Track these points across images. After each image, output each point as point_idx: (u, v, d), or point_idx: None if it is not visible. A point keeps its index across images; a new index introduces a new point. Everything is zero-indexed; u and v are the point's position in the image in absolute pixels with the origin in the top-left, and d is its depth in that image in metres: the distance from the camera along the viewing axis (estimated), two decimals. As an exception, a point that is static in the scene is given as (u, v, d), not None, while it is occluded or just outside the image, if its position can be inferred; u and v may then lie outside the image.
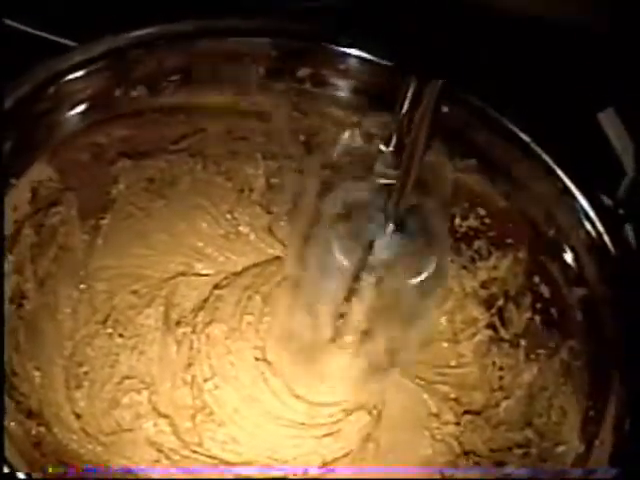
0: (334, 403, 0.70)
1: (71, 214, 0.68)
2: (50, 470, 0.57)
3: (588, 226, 0.64)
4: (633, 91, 0.75)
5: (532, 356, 0.68)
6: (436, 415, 0.70)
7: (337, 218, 0.63)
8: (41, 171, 0.65)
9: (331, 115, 0.73)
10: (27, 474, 0.50)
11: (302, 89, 0.73)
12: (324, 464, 0.66)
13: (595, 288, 0.63)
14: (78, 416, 0.65)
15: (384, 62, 0.71)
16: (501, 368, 0.70)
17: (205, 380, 0.69)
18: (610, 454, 0.56)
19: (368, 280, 0.62)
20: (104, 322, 0.70)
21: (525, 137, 0.68)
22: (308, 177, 0.75)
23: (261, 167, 0.77)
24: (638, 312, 0.60)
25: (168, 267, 0.75)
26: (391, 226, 0.60)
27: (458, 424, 0.69)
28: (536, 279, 0.68)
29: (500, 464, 0.65)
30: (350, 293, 0.63)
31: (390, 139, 0.63)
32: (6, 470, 0.50)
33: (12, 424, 0.56)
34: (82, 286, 0.71)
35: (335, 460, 0.67)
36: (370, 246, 0.60)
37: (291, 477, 0.65)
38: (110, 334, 0.70)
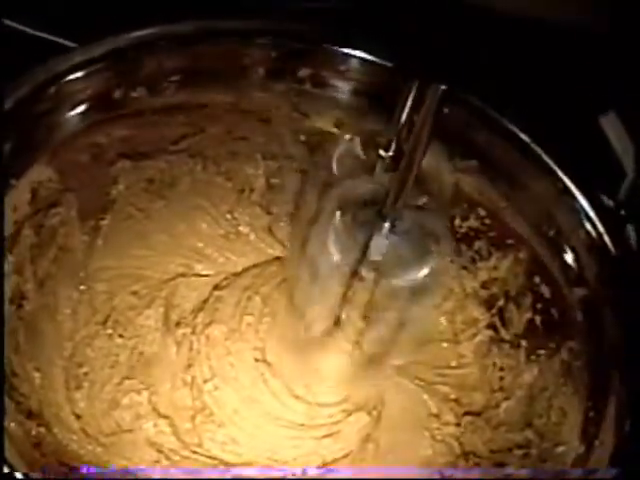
0: (334, 404, 0.70)
1: (71, 215, 0.68)
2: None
3: (588, 226, 0.64)
4: (633, 92, 0.75)
5: (532, 357, 0.67)
6: (436, 416, 0.70)
7: (336, 218, 0.63)
8: (41, 172, 0.65)
9: (331, 116, 0.74)
10: (25, 474, 0.50)
11: (302, 90, 0.73)
12: (324, 465, 0.66)
13: (595, 288, 0.63)
14: (78, 417, 0.65)
15: (384, 63, 0.71)
16: (501, 369, 0.70)
17: (205, 381, 0.69)
18: (610, 454, 0.56)
19: (367, 281, 0.62)
20: (104, 323, 0.70)
21: (525, 137, 0.68)
22: (308, 177, 0.75)
23: (261, 167, 0.77)
24: (638, 313, 0.60)
25: (168, 268, 0.75)
26: (390, 226, 0.60)
27: (458, 425, 0.69)
28: (536, 279, 0.68)
29: (500, 465, 0.65)
30: (349, 294, 0.63)
31: (390, 144, 0.63)
32: (6, 470, 0.50)
33: (12, 425, 0.56)
34: (82, 287, 0.71)
35: (335, 461, 0.67)
36: (369, 246, 0.60)
37: (290, 477, 0.65)
38: (110, 335, 0.70)
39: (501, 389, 0.69)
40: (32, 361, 0.64)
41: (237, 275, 0.76)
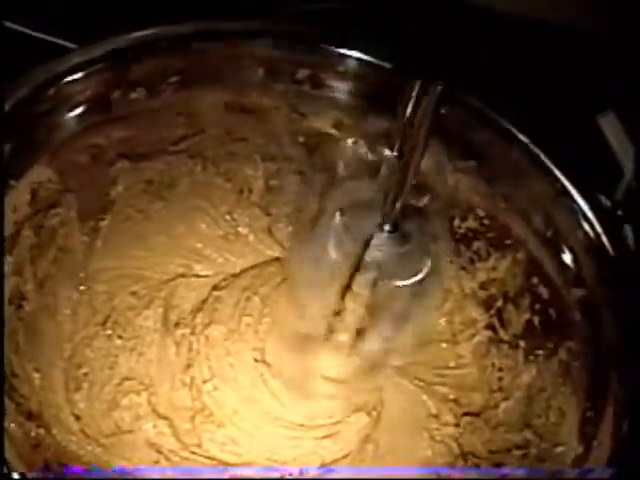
0: (333, 404, 0.69)
1: (70, 216, 0.69)
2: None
3: (587, 227, 0.64)
4: (633, 92, 0.75)
5: (531, 357, 0.67)
6: (435, 416, 0.70)
7: (335, 217, 0.63)
8: (41, 173, 0.65)
9: (330, 117, 0.74)
10: (21, 474, 0.50)
11: (301, 91, 0.73)
12: (323, 465, 0.66)
13: (594, 289, 0.63)
14: (78, 417, 0.65)
15: (383, 64, 0.71)
16: (500, 369, 0.70)
17: (204, 381, 0.69)
18: (608, 455, 0.56)
19: (367, 281, 0.62)
20: (103, 323, 0.71)
21: (524, 138, 0.68)
22: (306, 178, 0.75)
23: (260, 168, 0.77)
24: (637, 313, 0.60)
25: (167, 268, 0.75)
26: (389, 227, 0.60)
27: (457, 425, 0.69)
28: (535, 280, 0.68)
29: (499, 465, 0.65)
30: (349, 294, 0.64)
31: (394, 143, 0.63)
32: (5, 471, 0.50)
33: (12, 426, 0.56)
34: (81, 287, 0.71)
35: (334, 461, 0.67)
36: (368, 247, 0.60)
37: (287, 477, 0.65)
38: (109, 335, 0.70)
39: (500, 389, 0.69)
40: (32, 362, 0.64)
41: (236, 276, 0.76)
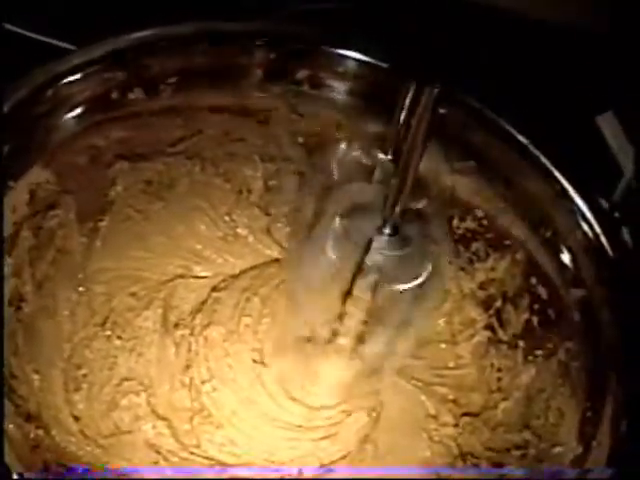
0: (332, 405, 0.69)
1: (69, 217, 0.69)
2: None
3: (585, 228, 0.64)
4: (632, 92, 0.75)
5: (530, 357, 0.67)
6: (434, 417, 0.70)
7: (335, 220, 0.63)
8: (39, 173, 0.65)
9: (329, 117, 0.74)
10: (20, 475, 0.50)
11: (300, 91, 0.73)
12: (322, 466, 0.66)
13: (592, 289, 0.63)
14: (77, 418, 0.65)
15: (382, 64, 0.71)
16: (499, 369, 0.70)
17: (203, 382, 0.69)
18: (607, 455, 0.56)
19: (366, 283, 0.62)
20: (102, 324, 0.70)
21: (523, 139, 0.68)
22: (306, 179, 0.75)
23: (259, 169, 0.77)
24: (635, 313, 0.60)
25: (166, 269, 0.75)
26: (389, 229, 0.60)
27: (456, 426, 0.69)
28: (534, 280, 0.68)
29: (498, 466, 0.65)
30: (348, 296, 0.64)
31: (388, 147, 0.63)
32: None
33: (11, 427, 0.56)
34: (80, 288, 0.71)
35: (333, 462, 0.67)
36: (368, 249, 0.60)
37: (286, 478, 0.65)
38: (108, 336, 0.70)
39: (499, 390, 0.69)
40: (31, 363, 0.64)
41: (235, 277, 0.75)
